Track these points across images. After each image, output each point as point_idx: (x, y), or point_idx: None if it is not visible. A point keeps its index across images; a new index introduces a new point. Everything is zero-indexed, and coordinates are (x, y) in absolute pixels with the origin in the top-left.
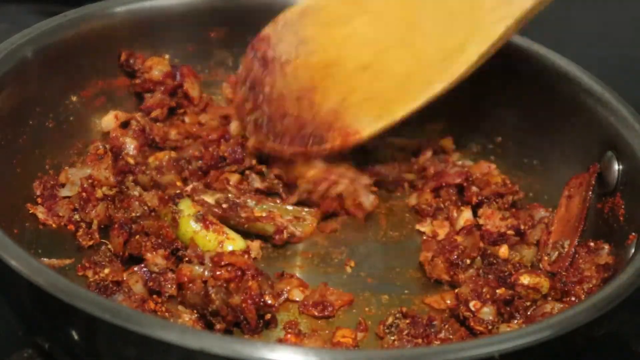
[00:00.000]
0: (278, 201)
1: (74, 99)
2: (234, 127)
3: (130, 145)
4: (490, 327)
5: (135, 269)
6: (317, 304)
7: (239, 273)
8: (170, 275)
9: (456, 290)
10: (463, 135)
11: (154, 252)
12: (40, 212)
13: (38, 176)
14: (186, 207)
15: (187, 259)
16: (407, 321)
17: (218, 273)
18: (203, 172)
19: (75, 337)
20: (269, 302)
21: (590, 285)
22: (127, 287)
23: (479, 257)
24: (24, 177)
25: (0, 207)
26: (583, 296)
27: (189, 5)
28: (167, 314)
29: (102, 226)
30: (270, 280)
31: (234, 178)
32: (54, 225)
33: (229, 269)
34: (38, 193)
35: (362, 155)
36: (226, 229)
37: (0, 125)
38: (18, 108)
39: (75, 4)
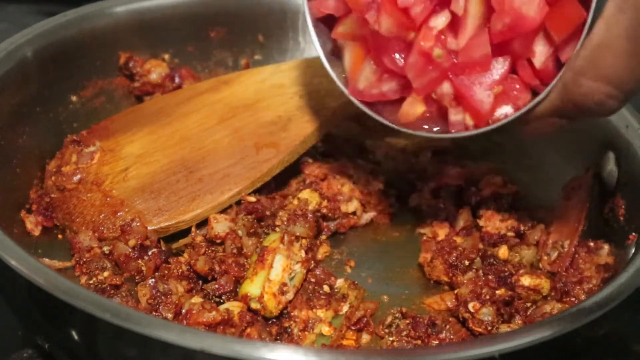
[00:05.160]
0: None
1: (74, 99)
2: None
3: None
4: (489, 328)
5: (150, 282)
6: None
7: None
8: (172, 298)
9: (456, 291)
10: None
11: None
12: (29, 222)
13: (38, 176)
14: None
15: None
16: (407, 321)
17: None
18: None
19: (75, 337)
20: None
21: (590, 285)
22: (125, 291)
23: (478, 258)
24: (23, 178)
25: (1, 207)
26: (583, 296)
27: (188, 6)
28: None
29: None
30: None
31: None
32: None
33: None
34: (33, 197)
35: (360, 154)
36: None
37: (0, 125)
38: (18, 108)
39: (75, 4)
